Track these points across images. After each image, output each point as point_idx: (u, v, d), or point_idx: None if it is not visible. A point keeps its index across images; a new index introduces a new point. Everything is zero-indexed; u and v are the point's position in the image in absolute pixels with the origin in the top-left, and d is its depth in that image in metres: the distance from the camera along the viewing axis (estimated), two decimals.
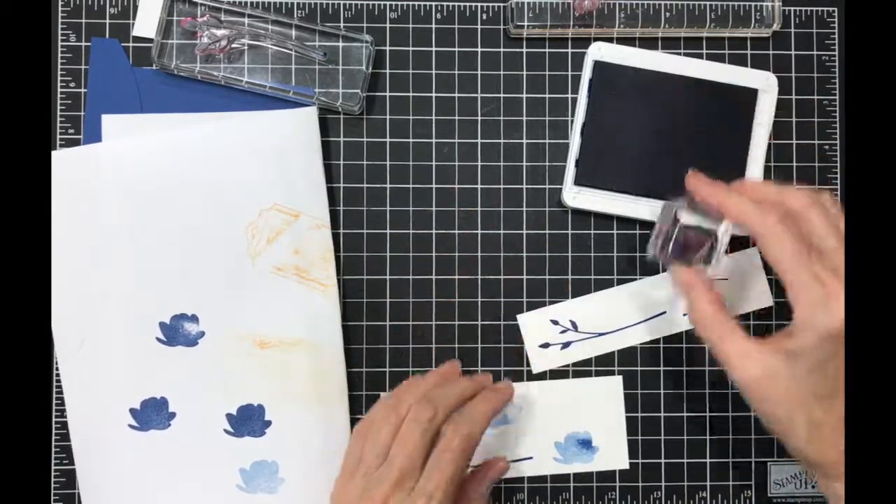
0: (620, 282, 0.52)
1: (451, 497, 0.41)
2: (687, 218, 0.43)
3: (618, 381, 0.52)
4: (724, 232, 0.44)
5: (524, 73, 0.52)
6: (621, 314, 0.52)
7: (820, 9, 0.53)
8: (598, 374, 0.52)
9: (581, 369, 0.52)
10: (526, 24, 0.51)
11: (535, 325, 0.52)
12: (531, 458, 0.51)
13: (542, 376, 0.52)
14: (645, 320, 0.52)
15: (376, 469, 0.42)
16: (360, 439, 0.44)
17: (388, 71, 0.52)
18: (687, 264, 0.44)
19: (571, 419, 0.52)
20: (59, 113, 0.51)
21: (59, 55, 0.51)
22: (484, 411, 0.44)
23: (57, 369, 0.49)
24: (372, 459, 0.42)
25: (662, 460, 0.52)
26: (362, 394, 0.51)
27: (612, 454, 0.52)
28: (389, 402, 0.44)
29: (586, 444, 0.51)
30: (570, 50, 0.52)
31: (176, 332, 0.49)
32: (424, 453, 0.41)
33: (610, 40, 0.52)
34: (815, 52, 0.53)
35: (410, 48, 0.52)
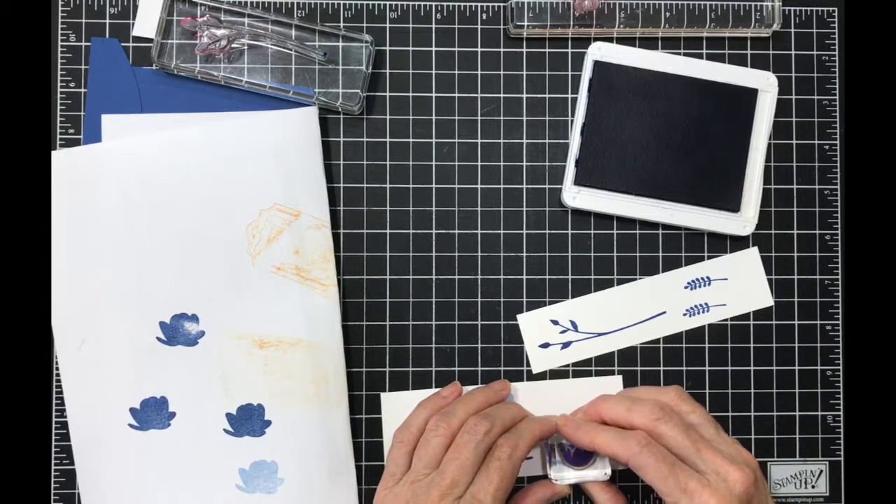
0: (620, 282, 0.52)
1: None
2: (561, 475, 0.47)
3: (618, 380, 0.52)
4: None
5: (524, 73, 0.52)
6: (621, 314, 0.52)
7: (820, 9, 0.53)
8: (599, 374, 0.52)
9: (581, 369, 0.52)
10: (526, 24, 0.51)
11: (535, 325, 0.52)
12: (531, 457, 0.51)
13: (542, 376, 0.52)
14: (645, 320, 0.52)
15: (426, 477, 0.43)
16: (404, 446, 0.45)
17: (388, 71, 0.52)
18: (585, 471, 0.47)
19: None
20: (59, 113, 0.51)
21: (59, 55, 0.51)
22: (532, 431, 0.46)
23: (57, 369, 0.49)
24: (421, 468, 0.44)
25: None
26: (362, 394, 0.51)
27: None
28: (431, 413, 0.46)
29: None
30: (570, 50, 0.52)
31: (176, 332, 0.49)
32: (476, 466, 0.43)
33: (610, 40, 0.52)
34: (815, 52, 0.53)
35: (410, 48, 0.52)
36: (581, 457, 0.46)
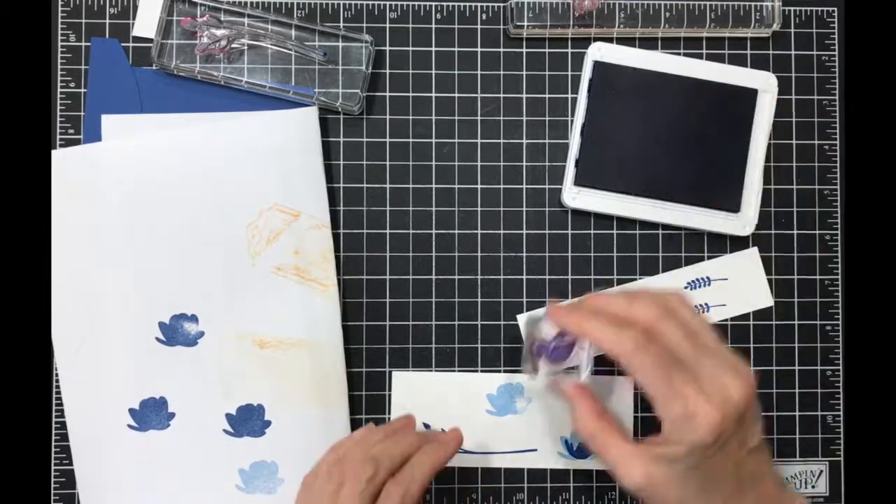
0: (620, 282, 0.52)
1: None
2: (548, 330, 0.44)
3: (629, 382, 0.52)
4: (589, 345, 0.44)
5: (524, 73, 0.52)
6: None
7: (820, 9, 0.53)
8: (598, 374, 0.52)
9: None
10: (526, 24, 0.51)
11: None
12: (535, 450, 0.51)
13: None
14: None
15: None
16: (307, 492, 0.43)
17: (388, 71, 0.52)
18: (560, 373, 0.45)
19: None
20: (59, 113, 0.51)
21: (59, 55, 0.51)
22: (424, 466, 0.42)
23: (56, 369, 0.49)
24: None
25: None
26: (362, 394, 0.51)
27: None
28: (333, 458, 0.43)
29: None
30: (570, 50, 0.52)
31: (175, 332, 0.49)
32: None
33: (610, 40, 0.52)
34: (815, 52, 0.53)
35: (410, 48, 0.52)
36: (560, 355, 0.43)
